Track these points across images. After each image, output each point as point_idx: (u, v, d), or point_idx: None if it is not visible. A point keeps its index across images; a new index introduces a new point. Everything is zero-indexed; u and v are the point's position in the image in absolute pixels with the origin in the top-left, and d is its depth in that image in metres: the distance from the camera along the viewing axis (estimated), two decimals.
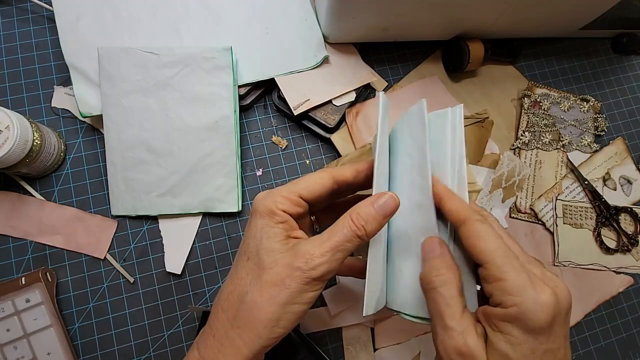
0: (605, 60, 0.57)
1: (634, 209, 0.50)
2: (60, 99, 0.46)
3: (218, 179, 0.44)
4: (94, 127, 0.46)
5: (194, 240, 0.44)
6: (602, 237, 0.49)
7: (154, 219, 0.45)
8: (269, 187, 0.47)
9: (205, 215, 0.45)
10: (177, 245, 0.44)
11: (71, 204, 0.44)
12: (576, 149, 0.52)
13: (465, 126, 0.50)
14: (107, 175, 0.44)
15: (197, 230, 0.45)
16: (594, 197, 0.50)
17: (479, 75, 0.53)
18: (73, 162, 0.45)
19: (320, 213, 0.35)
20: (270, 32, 0.48)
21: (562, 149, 0.52)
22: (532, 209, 0.49)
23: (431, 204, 0.27)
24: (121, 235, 0.44)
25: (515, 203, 0.49)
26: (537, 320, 0.22)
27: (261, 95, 0.48)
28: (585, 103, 0.53)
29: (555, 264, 0.48)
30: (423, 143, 0.28)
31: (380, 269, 0.29)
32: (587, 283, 0.48)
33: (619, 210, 0.50)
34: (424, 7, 0.42)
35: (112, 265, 0.43)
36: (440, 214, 0.28)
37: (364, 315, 0.27)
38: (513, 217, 0.49)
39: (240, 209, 0.45)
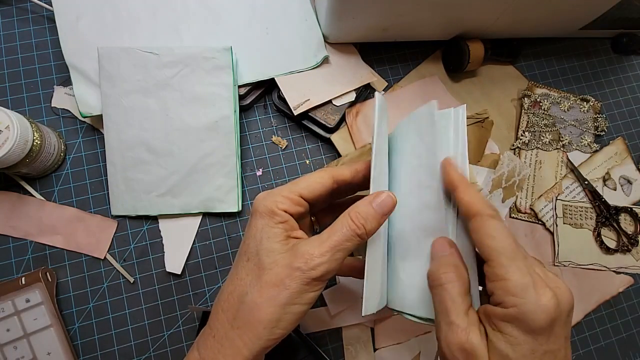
0: (605, 60, 0.57)
1: (634, 209, 0.50)
2: (60, 99, 0.46)
3: (218, 179, 0.44)
4: (94, 127, 0.46)
5: (194, 240, 0.44)
6: (602, 237, 0.49)
7: (154, 219, 0.45)
8: (269, 187, 0.47)
9: (205, 215, 0.45)
10: (177, 245, 0.44)
11: (71, 204, 0.44)
12: (576, 149, 0.52)
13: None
14: (107, 175, 0.44)
15: (197, 230, 0.45)
16: (594, 197, 0.50)
17: (479, 75, 0.53)
18: (73, 162, 0.45)
19: (320, 213, 0.35)
20: (270, 32, 0.48)
21: (562, 149, 0.52)
22: (532, 209, 0.49)
23: (441, 204, 0.27)
24: (121, 235, 0.44)
25: (515, 203, 0.49)
26: (537, 321, 0.22)
27: (261, 95, 0.48)
28: (585, 103, 0.53)
29: (555, 264, 0.48)
30: (433, 144, 0.28)
31: (379, 268, 0.29)
32: (587, 283, 0.48)
33: (619, 210, 0.50)
34: (424, 7, 0.42)
35: (112, 265, 0.43)
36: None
37: (363, 315, 0.27)
38: (513, 217, 0.49)
39: (240, 209, 0.45)
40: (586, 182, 0.50)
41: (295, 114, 0.45)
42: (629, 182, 0.52)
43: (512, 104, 0.53)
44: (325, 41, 0.48)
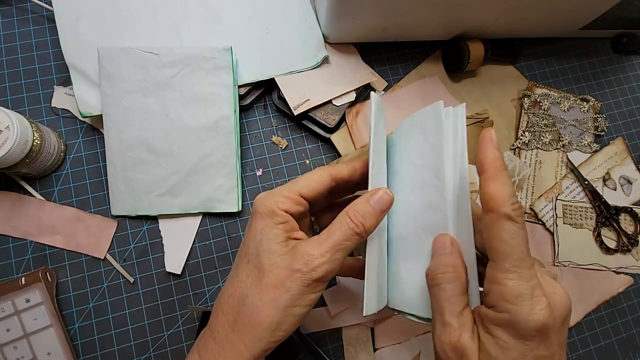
0: (605, 60, 0.57)
1: (634, 209, 0.50)
2: (60, 99, 0.46)
3: (218, 179, 0.44)
4: (94, 127, 0.46)
5: (194, 240, 0.44)
6: (602, 237, 0.49)
7: (154, 219, 0.45)
8: (269, 187, 0.47)
9: (205, 215, 0.45)
10: (177, 245, 0.44)
11: (71, 204, 0.44)
12: (576, 149, 0.52)
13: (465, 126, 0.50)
14: (107, 175, 0.44)
15: (197, 230, 0.45)
16: (594, 197, 0.50)
17: (479, 75, 0.53)
18: (73, 162, 0.45)
19: (319, 213, 0.35)
20: (270, 32, 0.48)
21: (562, 149, 0.52)
22: (532, 209, 0.49)
23: (446, 204, 0.27)
24: (121, 235, 0.44)
25: None
26: (527, 329, 0.22)
27: (261, 95, 0.48)
28: (585, 103, 0.53)
29: (555, 264, 0.48)
30: (440, 144, 0.28)
31: (380, 268, 0.29)
32: (587, 283, 0.48)
33: (619, 210, 0.50)
34: (424, 7, 0.42)
35: (112, 265, 0.43)
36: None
37: (364, 315, 0.27)
38: None
39: (240, 209, 0.45)
40: (586, 182, 0.50)
41: (295, 114, 0.45)
42: (629, 182, 0.52)
43: (512, 104, 0.53)
44: (325, 41, 0.48)
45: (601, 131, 0.53)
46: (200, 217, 0.45)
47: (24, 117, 0.39)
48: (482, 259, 0.27)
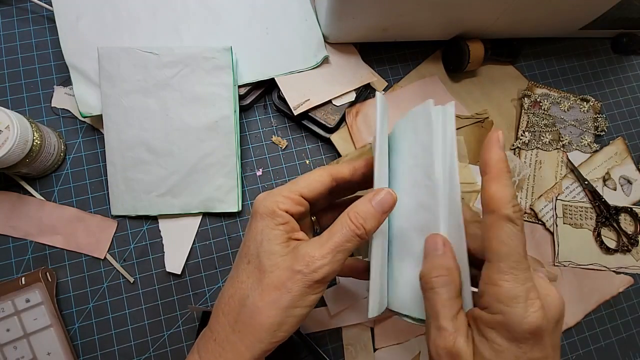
0: (605, 60, 0.57)
1: (634, 209, 0.50)
2: (60, 99, 0.46)
3: (218, 179, 0.44)
4: (94, 127, 0.46)
5: (194, 240, 0.44)
6: (602, 237, 0.49)
7: (154, 219, 0.45)
8: (269, 187, 0.47)
9: (205, 215, 0.45)
10: (177, 245, 0.44)
11: (71, 204, 0.44)
12: (576, 149, 0.52)
13: (465, 126, 0.50)
14: (107, 175, 0.44)
15: (197, 230, 0.45)
16: (594, 197, 0.50)
17: (479, 75, 0.53)
18: (73, 162, 0.45)
19: (320, 213, 0.35)
20: (270, 32, 0.48)
21: (562, 149, 0.52)
22: (532, 209, 0.49)
23: (437, 205, 0.27)
24: (121, 235, 0.44)
25: None
26: (521, 332, 0.22)
27: (261, 95, 0.48)
28: (585, 103, 0.53)
29: (555, 264, 0.48)
30: (430, 143, 0.27)
31: (383, 269, 0.29)
32: (587, 283, 0.48)
33: (619, 210, 0.50)
34: (424, 7, 0.42)
35: (112, 265, 0.43)
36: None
37: (369, 317, 0.27)
38: None
39: (240, 209, 0.45)
40: (586, 182, 0.50)
41: (295, 114, 0.45)
42: (629, 182, 0.52)
43: (512, 104, 0.53)
44: (325, 41, 0.48)
45: (601, 131, 0.53)
46: (200, 217, 0.45)
47: (24, 117, 0.39)
48: (474, 262, 0.27)
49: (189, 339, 0.43)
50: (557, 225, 0.49)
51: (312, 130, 0.47)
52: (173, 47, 0.43)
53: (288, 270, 0.26)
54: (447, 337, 0.23)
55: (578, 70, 0.56)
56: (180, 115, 0.43)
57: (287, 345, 0.40)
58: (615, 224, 0.49)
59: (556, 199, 0.50)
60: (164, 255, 0.44)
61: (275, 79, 0.46)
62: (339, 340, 0.44)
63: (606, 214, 0.49)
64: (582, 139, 0.52)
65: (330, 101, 0.47)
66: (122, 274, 0.43)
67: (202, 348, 0.27)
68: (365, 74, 0.49)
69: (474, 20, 0.46)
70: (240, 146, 0.45)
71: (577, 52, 0.57)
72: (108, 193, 0.44)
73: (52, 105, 0.46)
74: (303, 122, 0.48)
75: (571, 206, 0.50)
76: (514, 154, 0.51)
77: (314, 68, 0.47)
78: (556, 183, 0.50)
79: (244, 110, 0.48)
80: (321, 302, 0.44)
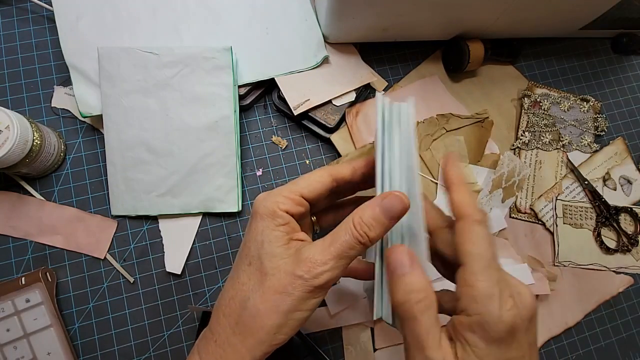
0: (605, 60, 0.57)
1: (634, 209, 0.50)
2: (60, 99, 0.46)
3: (218, 179, 0.44)
4: (94, 127, 0.46)
5: (194, 240, 0.44)
6: (602, 237, 0.49)
7: (154, 219, 0.45)
8: (269, 187, 0.47)
9: (205, 215, 0.45)
10: (177, 245, 0.44)
11: (71, 204, 0.44)
12: (576, 149, 0.52)
13: (465, 126, 0.50)
14: (107, 175, 0.44)
15: (197, 230, 0.45)
16: (594, 197, 0.50)
17: (479, 75, 0.53)
18: (73, 162, 0.45)
19: (320, 214, 0.35)
20: (270, 32, 0.48)
21: (562, 149, 0.52)
22: (532, 209, 0.49)
23: (420, 207, 0.27)
24: (121, 235, 0.44)
25: (515, 203, 0.49)
26: (497, 331, 0.22)
27: (261, 95, 0.48)
28: (585, 103, 0.53)
29: (555, 264, 0.48)
30: (409, 144, 0.27)
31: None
32: (587, 283, 0.48)
33: (619, 210, 0.50)
34: (424, 7, 0.42)
35: (112, 265, 0.43)
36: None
37: (374, 318, 0.26)
38: (513, 217, 0.49)
39: (240, 209, 0.45)
40: (586, 182, 0.50)
41: (295, 114, 0.45)
42: (629, 182, 0.52)
43: (512, 104, 0.53)
44: (325, 41, 0.48)
45: (601, 131, 0.53)
46: (200, 217, 0.45)
47: (24, 117, 0.39)
48: (449, 268, 0.27)
49: (189, 339, 0.43)
50: (557, 225, 0.49)
51: (312, 130, 0.47)
52: (173, 47, 0.43)
53: (289, 274, 0.25)
54: None
55: (578, 70, 0.56)
56: (180, 115, 0.43)
57: (287, 346, 0.40)
58: (615, 224, 0.49)
59: (556, 199, 0.50)
60: (164, 255, 0.44)
61: (275, 79, 0.46)
62: (339, 340, 0.44)
63: (606, 214, 0.49)
64: (582, 139, 0.52)
65: (330, 101, 0.47)
66: (122, 274, 0.43)
67: (202, 349, 0.27)
68: (365, 74, 0.49)
69: (474, 20, 0.46)
70: (240, 146, 0.45)
71: (577, 52, 0.57)
72: (108, 193, 0.44)
73: (52, 105, 0.46)
74: (303, 122, 0.48)
75: (571, 206, 0.50)
76: (514, 154, 0.51)
77: (314, 68, 0.47)
78: (556, 183, 0.50)
79: (244, 110, 0.48)
80: (321, 302, 0.44)
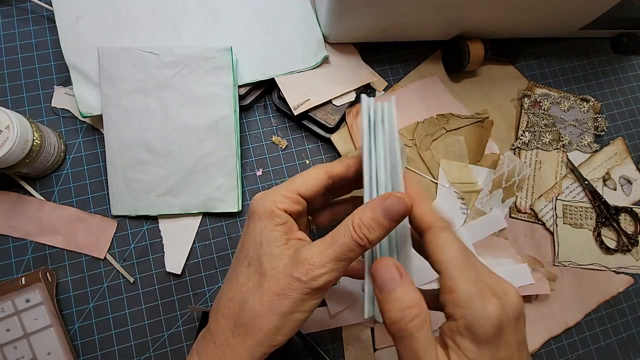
0: (605, 60, 0.57)
1: (634, 209, 0.50)
2: (60, 99, 0.46)
3: (218, 179, 0.44)
4: (94, 127, 0.46)
5: (194, 240, 0.44)
6: (602, 237, 0.49)
7: (154, 219, 0.45)
8: (269, 187, 0.47)
9: (205, 215, 0.45)
10: (177, 245, 0.44)
11: (71, 204, 0.44)
12: (576, 149, 0.52)
13: (465, 126, 0.50)
14: (107, 175, 0.44)
15: (197, 230, 0.45)
16: (594, 197, 0.50)
17: (479, 75, 0.53)
18: (73, 162, 0.45)
19: (316, 213, 0.35)
20: (270, 32, 0.48)
21: (562, 149, 0.52)
22: (532, 209, 0.49)
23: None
24: (121, 235, 0.44)
25: (515, 203, 0.49)
26: (483, 331, 0.22)
27: (261, 95, 0.48)
28: (585, 103, 0.53)
29: (555, 264, 0.48)
30: (393, 144, 0.27)
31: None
32: (587, 283, 0.48)
33: (619, 210, 0.50)
34: (424, 7, 0.42)
35: (112, 265, 0.43)
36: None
37: (365, 317, 0.26)
38: (513, 217, 0.49)
39: (240, 209, 0.45)
40: (586, 182, 0.50)
41: (295, 114, 0.45)
42: (629, 182, 0.52)
43: (512, 104, 0.53)
44: (325, 41, 0.48)
45: (601, 131, 0.53)
46: (200, 217, 0.45)
47: (24, 117, 0.39)
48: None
49: (189, 339, 0.43)
50: (557, 225, 0.49)
51: (312, 130, 0.47)
52: (173, 47, 0.43)
53: (288, 276, 0.25)
54: None
55: (578, 70, 0.56)
56: (180, 115, 0.43)
57: (287, 346, 0.40)
58: (615, 224, 0.49)
59: (556, 199, 0.50)
60: (164, 255, 0.44)
61: (275, 79, 0.46)
62: (339, 340, 0.44)
63: (606, 214, 0.49)
64: (582, 139, 0.52)
65: (330, 101, 0.47)
66: (122, 274, 0.43)
67: (201, 351, 0.27)
68: (365, 74, 0.49)
69: (474, 20, 0.46)
70: (240, 146, 0.45)
71: (577, 52, 0.57)
72: (108, 193, 0.44)
73: (52, 105, 0.46)
74: (303, 122, 0.48)
75: (571, 206, 0.50)
76: (514, 154, 0.51)
77: (314, 68, 0.47)
78: (556, 183, 0.50)
79: (244, 110, 0.48)
80: (321, 302, 0.44)
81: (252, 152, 0.47)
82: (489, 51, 0.50)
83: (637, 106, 0.56)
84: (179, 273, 0.43)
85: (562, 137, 0.52)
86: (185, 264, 0.44)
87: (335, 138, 0.47)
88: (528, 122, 0.52)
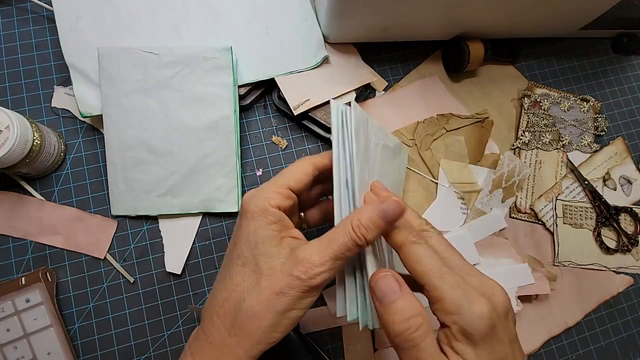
0: (605, 60, 0.57)
1: (634, 209, 0.50)
2: (60, 99, 0.46)
3: (218, 179, 0.44)
4: (94, 127, 0.46)
5: (194, 240, 0.44)
6: (602, 237, 0.49)
7: (154, 219, 0.45)
8: None
9: (205, 215, 0.45)
10: (177, 245, 0.44)
11: (71, 204, 0.44)
12: (576, 149, 0.52)
13: (465, 126, 0.50)
14: (107, 175, 0.44)
15: (197, 230, 0.45)
16: (594, 197, 0.50)
17: (479, 75, 0.53)
18: (73, 162, 0.45)
19: (307, 211, 0.36)
20: (270, 32, 0.48)
21: (562, 149, 0.52)
22: (532, 209, 0.49)
23: (340, 215, 0.28)
24: (121, 235, 0.44)
25: (515, 203, 0.49)
26: (476, 331, 0.22)
27: (261, 95, 0.48)
28: (585, 103, 0.53)
29: (555, 264, 0.48)
30: (366, 150, 0.28)
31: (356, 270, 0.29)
32: (587, 283, 0.48)
33: (619, 210, 0.50)
34: (424, 7, 0.42)
35: (112, 265, 0.43)
36: None
37: (338, 315, 0.27)
38: (513, 217, 0.49)
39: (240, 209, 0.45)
40: (586, 182, 0.50)
41: (295, 114, 0.45)
42: (629, 182, 0.52)
43: (512, 104, 0.53)
44: (325, 41, 0.48)
45: (601, 131, 0.53)
46: (200, 217, 0.45)
47: (24, 117, 0.39)
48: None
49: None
50: (557, 225, 0.49)
51: (312, 130, 0.47)
52: (173, 47, 0.43)
53: (286, 275, 0.26)
54: None
55: (578, 70, 0.56)
56: (180, 115, 0.43)
57: (287, 346, 0.40)
58: (615, 224, 0.49)
59: (556, 199, 0.50)
60: (164, 255, 0.44)
61: (275, 79, 0.46)
62: (339, 340, 0.44)
63: (606, 214, 0.49)
64: (582, 139, 0.52)
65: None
66: (122, 274, 0.43)
67: (196, 351, 0.27)
68: (365, 74, 0.49)
69: (474, 20, 0.46)
70: (240, 146, 0.45)
71: (577, 52, 0.57)
72: (108, 193, 0.44)
73: (52, 105, 0.46)
74: (303, 122, 0.48)
75: (571, 206, 0.50)
76: (514, 154, 0.51)
77: (314, 68, 0.47)
78: (556, 183, 0.50)
79: (244, 110, 0.48)
80: (321, 302, 0.44)
81: (252, 152, 0.47)
82: (489, 51, 0.50)
83: (637, 106, 0.56)
84: (179, 273, 0.43)
85: (562, 137, 0.52)
86: (185, 264, 0.44)
87: None
88: (528, 122, 0.52)
